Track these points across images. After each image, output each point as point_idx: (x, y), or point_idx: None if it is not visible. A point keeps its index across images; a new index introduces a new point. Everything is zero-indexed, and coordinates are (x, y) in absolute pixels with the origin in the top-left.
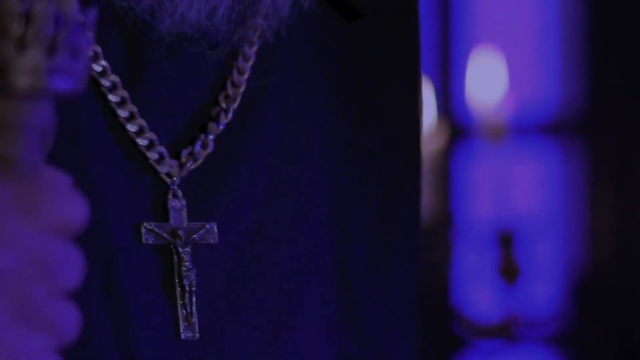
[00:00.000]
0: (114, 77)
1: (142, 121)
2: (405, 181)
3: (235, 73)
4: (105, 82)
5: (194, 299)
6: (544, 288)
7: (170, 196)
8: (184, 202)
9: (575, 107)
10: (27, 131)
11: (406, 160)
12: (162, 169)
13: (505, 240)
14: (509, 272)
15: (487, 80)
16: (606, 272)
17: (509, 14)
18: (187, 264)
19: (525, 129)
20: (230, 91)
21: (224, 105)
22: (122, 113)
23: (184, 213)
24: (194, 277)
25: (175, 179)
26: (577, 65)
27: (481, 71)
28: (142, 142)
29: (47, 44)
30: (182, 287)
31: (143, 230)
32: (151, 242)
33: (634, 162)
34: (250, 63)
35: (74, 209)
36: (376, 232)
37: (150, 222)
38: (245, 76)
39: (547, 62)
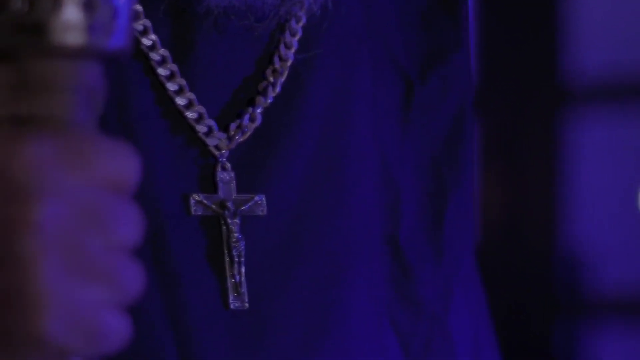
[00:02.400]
0: (163, 51)
1: (191, 94)
2: (457, 152)
3: (282, 47)
4: (155, 56)
5: (242, 270)
6: None
7: (218, 168)
8: (232, 175)
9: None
10: (74, 91)
11: (457, 132)
12: (210, 142)
13: None
14: None
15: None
16: (494, 246)
17: None
18: (235, 235)
19: None
20: (277, 65)
21: (271, 79)
22: (172, 86)
23: (233, 185)
24: (242, 248)
25: (223, 151)
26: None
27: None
28: (191, 115)
29: (84, 0)
30: (231, 257)
31: (192, 201)
32: (200, 213)
33: (524, 136)
34: (297, 37)
35: (125, 165)
36: (428, 205)
37: (199, 194)
38: (292, 50)
39: None
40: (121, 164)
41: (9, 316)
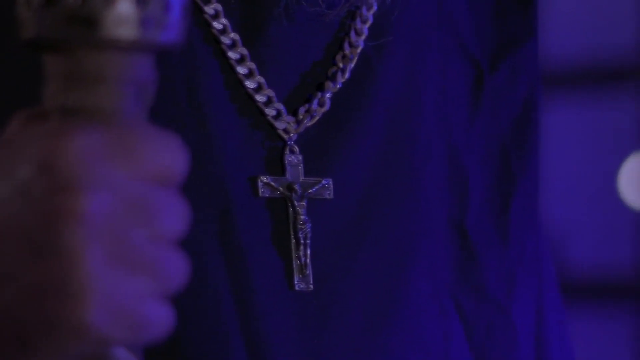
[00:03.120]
0: (234, 35)
1: (260, 78)
2: (524, 139)
3: (352, 34)
4: (226, 40)
5: (308, 252)
6: None
7: (287, 151)
8: (300, 158)
9: None
10: (124, 84)
11: (526, 119)
12: (279, 125)
13: None
14: None
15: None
16: None
17: None
18: (302, 217)
19: None
20: (347, 51)
21: (340, 64)
22: (241, 70)
23: (300, 168)
24: (309, 230)
25: (292, 135)
26: None
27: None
28: (260, 98)
29: None
30: (297, 239)
31: (260, 183)
32: (267, 195)
33: None
34: (368, 24)
35: (173, 158)
36: (495, 190)
37: (267, 176)
38: (363, 37)
39: None
40: (168, 157)
41: (53, 306)
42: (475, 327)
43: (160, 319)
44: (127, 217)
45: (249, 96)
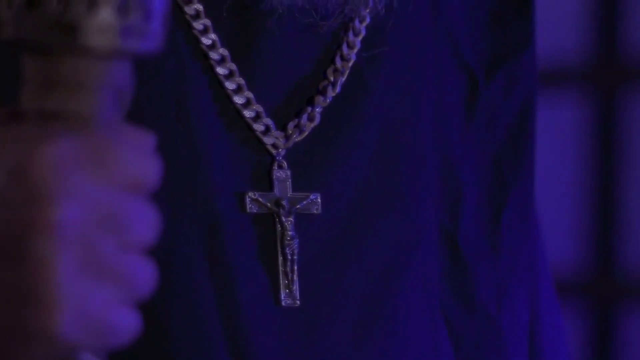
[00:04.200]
0: (223, 51)
1: (249, 93)
2: (518, 150)
3: (344, 47)
4: (214, 55)
5: (295, 267)
6: None
7: (275, 167)
8: (288, 173)
9: None
10: (103, 90)
11: (520, 129)
12: (267, 140)
13: None
14: None
15: None
16: None
17: None
18: (290, 233)
19: None
20: (338, 64)
21: (331, 78)
22: (230, 85)
23: (289, 184)
24: (296, 245)
25: (280, 150)
26: None
27: None
28: (248, 113)
29: (119, 3)
30: (284, 255)
31: (247, 199)
32: (255, 211)
33: None
34: (360, 37)
35: (146, 166)
36: (487, 201)
37: (255, 192)
38: (355, 50)
39: None
40: (142, 166)
41: (22, 313)
42: (464, 339)
43: (126, 325)
44: (98, 226)
45: (237, 111)
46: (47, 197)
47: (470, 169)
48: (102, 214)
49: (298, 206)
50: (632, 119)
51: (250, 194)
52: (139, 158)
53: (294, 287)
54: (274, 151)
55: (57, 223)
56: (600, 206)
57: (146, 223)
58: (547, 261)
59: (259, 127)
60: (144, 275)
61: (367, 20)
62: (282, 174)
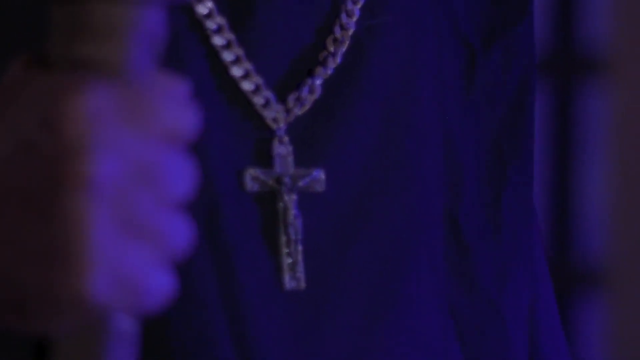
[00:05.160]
0: (220, 19)
1: (248, 64)
2: (518, 126)
3: (343, 16)
4: (211, 25)
5: (300, 248)
6: None
7: (276, 142)
8: (290, 148)
9: None
10: (135, 38)
11: (519, 105)
12: (268, 114)
13: None
14: None
15: None
16: None
17: None
18: (293, 212)
19: None
20: (338, 34)
21: (332, 49)
22: (228, 56)
23: (290, 159)
24: (300, 225)
25: (281, 125)
26: None
27: None
28: (248, 86)
29: None
30: (288, 235)
31: (247, 176)
32: (256, 189)
33: None
34: (359, 5)
35: (183, 116)
36: (487, 181)
37: (255, 169)
38: (354, 19)
39: None
40: (179, 115)
41: (53, 275)
42: (467, 324)
43: (162, 287)
44: (134, 181)
45: (235, 84)
46: (82, 151)
47: (470, 146)
48: (139, 168)
49: (301, 183)
50: (589, 109)
51: (251, 171)
52: (175, 107)
53: (299, 270)
54: (274, 126)
55: (91, 178)
56: (558, 196)
57: (184, 177)
58: (543, 251)
59: (259, 101)
60: (180, 234)
61: None
62: (283, 150)
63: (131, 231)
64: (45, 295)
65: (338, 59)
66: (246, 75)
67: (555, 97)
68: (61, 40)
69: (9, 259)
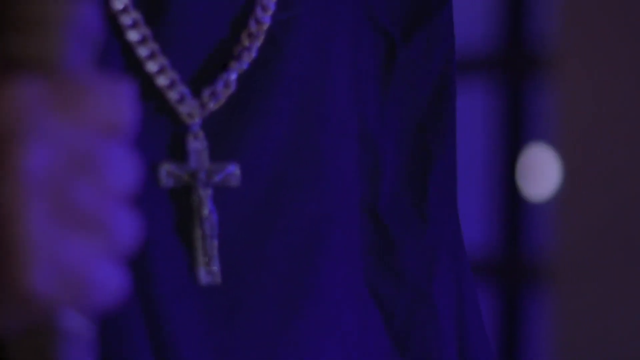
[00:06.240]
0: (135, 14)
1: (163, 60)
2: (440, 116)
3: (259, 10)
4: (126, 20)
5: (215, 243)
6: None
7: (191, 137)
8: (205, 143)
9: None
10: (67, 32)
11: (441, 95)
12: (183, 109)
13: None
14: None
15: None
16: None
17: None
18: (208, 207)
19: None
20: (253, 28)
21: (247, 43)
22: (143, 52)
23: (205, 154)
24: (215, 221)
25: (196, 119)
26: None
27: None
28: (163, 81)
29: None
30: (203, 230)
31: (162, 171)
32: (171, 184)
33: None
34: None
35: (120, 107)
36: (411, 171)
37: (170, 164)
38: (269, 13)
39: None
40: (115, 106)
41: None
42: (395, 314)
43: (109, 280)
44: (71, 172)
45: (149, 79)
46: (14, 140)
47: (391, 136)
48: (75, 159)
49: (216, 178)
50: (539, 107)
51: (165, 166)
52: (110, 99)
53: (214, 265)
54: (189, 121)
55: (25, 167)
56: (508, 191)
57: (123, 167)
58: (462, 240)
59: (174, 96)
60: (126, 225)
61: None
62: (198, 145)
63: (72, 223)
64: None
65: (253, 54)
66: (161, 71)
67: (506, 94)
68: None
69: None
